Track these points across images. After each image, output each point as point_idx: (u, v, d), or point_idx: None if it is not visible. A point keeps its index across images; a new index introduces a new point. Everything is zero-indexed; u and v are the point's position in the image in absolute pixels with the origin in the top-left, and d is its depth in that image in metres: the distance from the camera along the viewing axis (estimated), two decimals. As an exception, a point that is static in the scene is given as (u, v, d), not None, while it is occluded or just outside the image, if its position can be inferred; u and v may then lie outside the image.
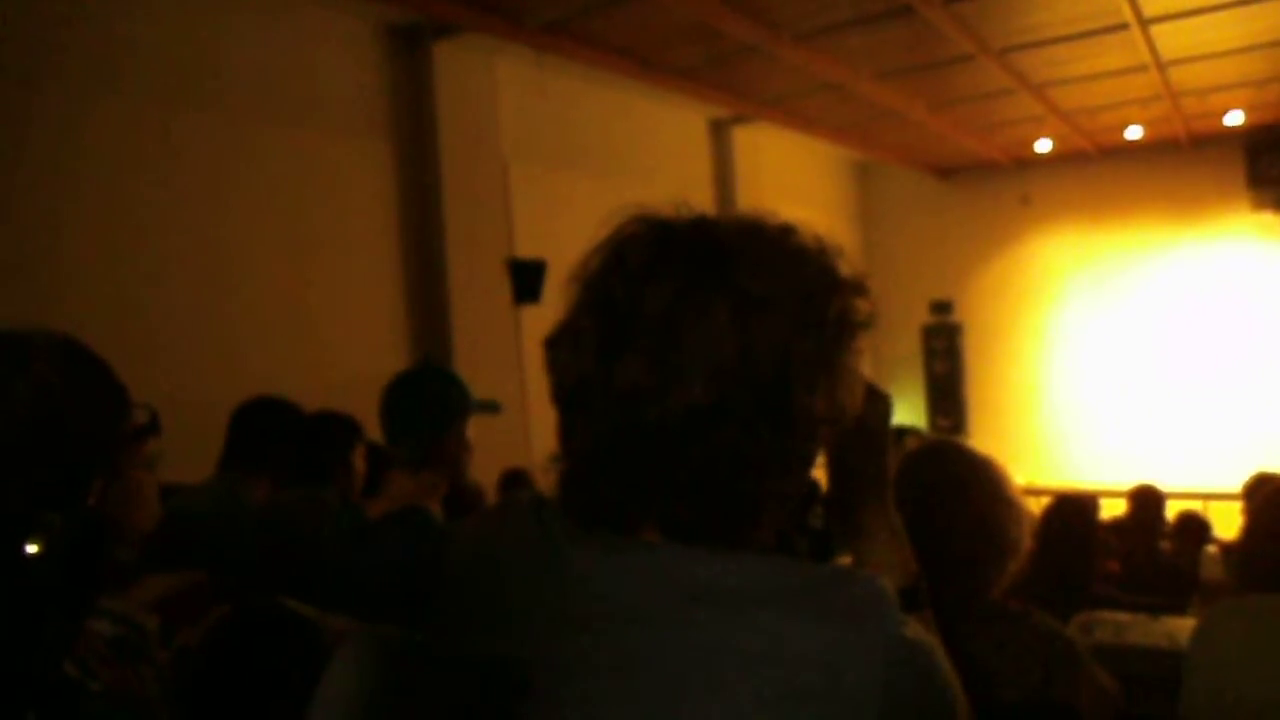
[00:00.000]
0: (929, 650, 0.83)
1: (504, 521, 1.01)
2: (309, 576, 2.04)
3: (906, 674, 0.79)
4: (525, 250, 7.02)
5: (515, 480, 5.21)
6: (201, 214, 5.28)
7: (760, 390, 0.81)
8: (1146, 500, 5.56)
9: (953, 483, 1.64)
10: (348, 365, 5.89)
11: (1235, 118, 9.82)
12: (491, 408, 2.46)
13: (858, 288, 0.90)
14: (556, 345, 0.90)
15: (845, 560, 1.12)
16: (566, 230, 7.55)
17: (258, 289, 5.55)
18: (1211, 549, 4.77)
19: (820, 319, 0.86)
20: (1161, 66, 7.91)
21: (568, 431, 0.91)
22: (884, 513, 1.07)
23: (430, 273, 6.45)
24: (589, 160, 8.03)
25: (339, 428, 2.89)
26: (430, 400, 2.37)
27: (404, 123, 6.42)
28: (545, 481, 0.96)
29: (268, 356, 5.41)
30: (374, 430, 4.13)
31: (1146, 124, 10.01)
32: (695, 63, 7.30)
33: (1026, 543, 1.68)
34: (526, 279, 6.90)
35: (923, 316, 12.43)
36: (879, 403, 1.02)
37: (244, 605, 1.55)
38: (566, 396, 0.90)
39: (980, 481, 1.65)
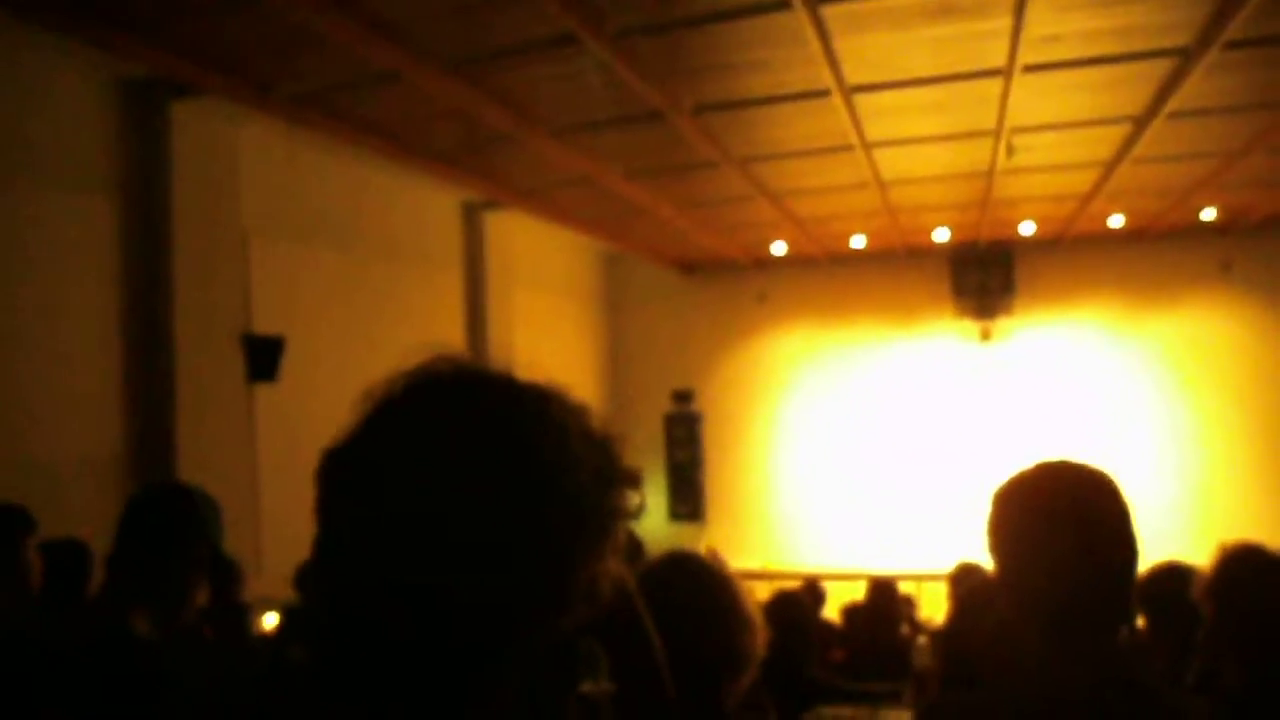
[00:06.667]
0: None
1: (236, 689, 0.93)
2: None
3: None
4: (264, 325, 6.67)
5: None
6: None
7: (534, 566, 0.81)
8: (882, 591, 5.90)
9: (691, 602, 1.67)
10: (51, 444, 5.35)
11: (942, 235, 10.91)
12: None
13: (635, 480, 0.90)
14: (345, 468, 0.84)
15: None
16: (308, 306, 7.28)
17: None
18: (922, 639, 5.12)
19: (600, 508, 0.86)
20: (882, 185, 8.69)
21: (327, 567, 0.85)
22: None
23: (153, 345, 5.96)
24: (335, 235, 7.79)
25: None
26: (180, 531, 2.18)
27: (133, 182, 5.96)
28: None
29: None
30: (72, 521, 3.76)
31: (869, 235, 10.94)
32: (450, 146, 7.30)
33: (760, 653, 1.73)
34: (263, 356, 6.55)
35: (665, 405, 12.82)
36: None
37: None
38: (332, 527, 0.84)
39: (718, 599, 1.69)
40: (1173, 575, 3.29)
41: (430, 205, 9.07)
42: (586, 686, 1.07)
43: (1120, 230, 10.77)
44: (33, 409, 5.32)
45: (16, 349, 5.29)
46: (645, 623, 1.42)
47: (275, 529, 5.92)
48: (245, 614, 4.45)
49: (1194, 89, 6.09)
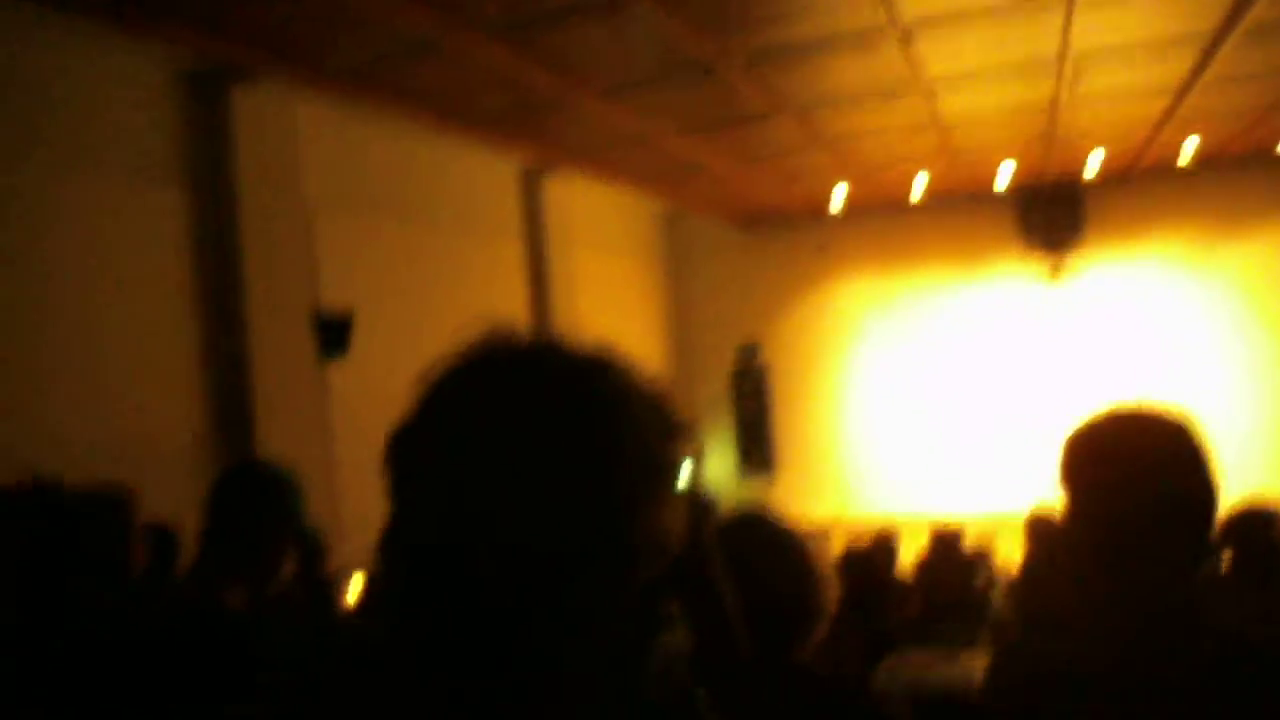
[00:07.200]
0: None
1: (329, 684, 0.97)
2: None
3: None
4: (332, 299, 6.79)
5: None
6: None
7: (602, 519, 0.82)
8: (944, 542, 5.83)
9: (764, 559, 1.69)
10: (135, 426, 5.53)
11: (1006, 174, 10.64)
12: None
13: (688, 433, 0.92)
14: (409, 450, 0.87)
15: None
16: (375, 279, 7.39)
17: (38, 341, 5.15)
18: (998, 590, 5.09)
19: (658, 463, 0.88)
20: (941, 128, 8.50)
21: (399, 543, 0.87)
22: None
23: (228, 326, 6.13)
24: (398, 208, 7.88)
25: (105, 512, 2.54)
26: (268, 508, 2.26)
27: (200, 170, 6.10)
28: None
29: (49, 412, 5.04)
30: (163, 502, 3.90)
31: (930, 179, 10.72)
32: (502, 112, 7.31)
33: (830, 609, 1.75)
34: (333, 332, 6.67)
35: (731, 359, 12.82)
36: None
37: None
38: (402, 508, 0.87)
39: (789, 556, 1.71)
40: (1257, 514, 3.22)
41: (488, 173, 9.11)
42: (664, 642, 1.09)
43: (1191, 162, 10.41)
44: (117, 393, 5.51)
45: (99, 337, 5.48)
46: (718, 579, 1.44)
47: (352, 502, 6.06)
48: (331, 586, 4.58)
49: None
